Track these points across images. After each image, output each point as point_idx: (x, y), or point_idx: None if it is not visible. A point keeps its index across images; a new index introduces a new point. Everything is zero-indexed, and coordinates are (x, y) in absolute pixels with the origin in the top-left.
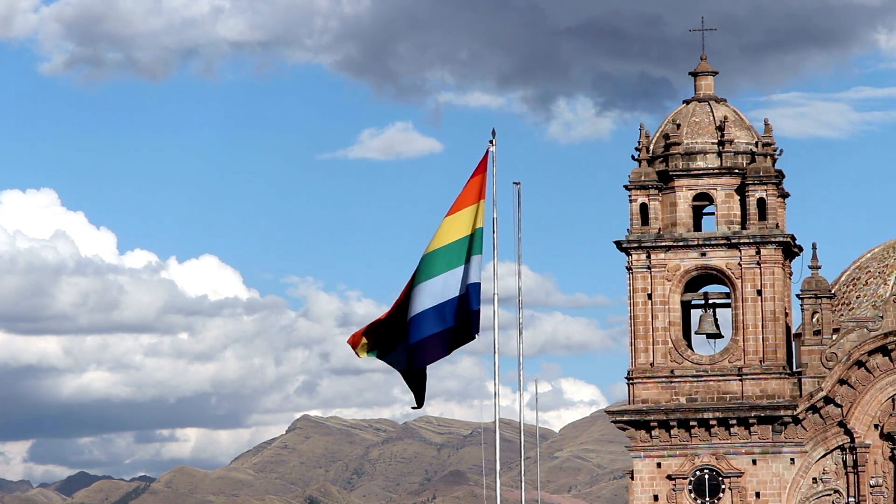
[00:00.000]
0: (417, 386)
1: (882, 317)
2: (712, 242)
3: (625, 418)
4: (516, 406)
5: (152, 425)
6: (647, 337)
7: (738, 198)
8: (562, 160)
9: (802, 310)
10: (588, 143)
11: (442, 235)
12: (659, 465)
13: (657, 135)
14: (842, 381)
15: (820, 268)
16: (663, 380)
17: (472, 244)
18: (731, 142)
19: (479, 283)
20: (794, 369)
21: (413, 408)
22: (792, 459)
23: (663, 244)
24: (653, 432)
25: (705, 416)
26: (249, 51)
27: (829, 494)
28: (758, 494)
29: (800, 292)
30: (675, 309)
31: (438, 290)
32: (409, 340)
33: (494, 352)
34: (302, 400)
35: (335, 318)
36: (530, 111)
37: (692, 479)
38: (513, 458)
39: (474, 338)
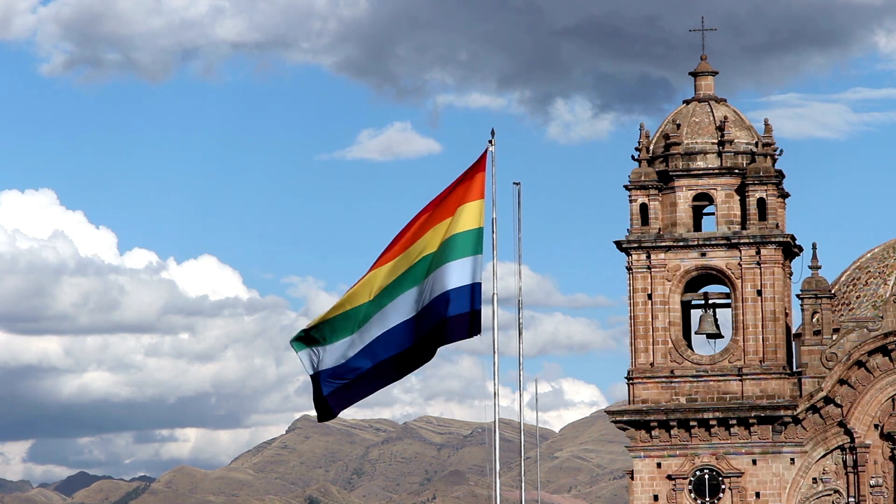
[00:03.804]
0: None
1: (882, 317)
2: (712, 242)
3: (625, 418)
4: (516, 406)
5: (152, 425)
6: (647, 337)
7: (738, 198)
8: (561, 161)
9: (802, 310)
10: (587, 144)
11: (436, 236)
12: (659, 465)
13: (657, 135)
14: (842, 381)
15: (820, 268)
16: (663, 380)
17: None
18: (731, 142)
19: (481, 283)
20: (794, 369)
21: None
22: (792, 459)
23: (663, 244)
24: (653, 432)
25: (705, 416)
26: (249, 52)
27: (829, 494)
28: (758, 494)
29: (800, 292)
30: (675, 309)
31: (415, 299)
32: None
33: (494, 352)
34: (302, 400)
35: None
36: (529, 113)
37: (692, 479)
38: (513, 458)
39: (432, 357)
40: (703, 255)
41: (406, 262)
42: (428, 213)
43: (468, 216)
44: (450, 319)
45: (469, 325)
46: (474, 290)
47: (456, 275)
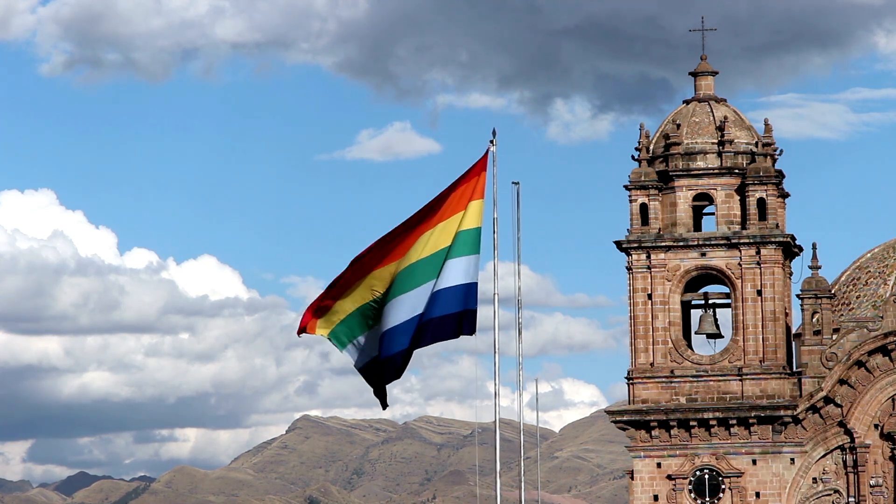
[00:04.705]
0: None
1: (882, 317)
2: (712, 242)
3: (625, 418)
4: (516, 406)
5: (152, 425)
6: (647, 337)
7: (738, 198)
8: (561, 161)
9: (802, 310)
10: (587, 144)
11: (421, 247)
12: (659, 465)
13: (657, 135)
14: (842, 381)
15: (820, 268)
16: (663, 380)
17: (448, 254)
18: (731, 142)
19: (477, 283)
20: (794, 369)
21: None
22: (792, 459)
23: (663, 244)
24: (653, 432)
25: (705, 416)
26: (248, 52)
27: (829, 494)
28: (758, 494)
29: (800, 292)
30: (675, 309)
31: (413, 303)
32: (383, 354)
33: (495, 352)
34: (302, 400)
35: None
36: (528, 113)
37: (692, 479)
38: (513, 458)
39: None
40: (703, 255)
41: (408, 261)
42: (430, 211)
43: (472, 215)
44: (433, 322)
45: (457, 326)
46: (469, 289)
47: (452, 274)
